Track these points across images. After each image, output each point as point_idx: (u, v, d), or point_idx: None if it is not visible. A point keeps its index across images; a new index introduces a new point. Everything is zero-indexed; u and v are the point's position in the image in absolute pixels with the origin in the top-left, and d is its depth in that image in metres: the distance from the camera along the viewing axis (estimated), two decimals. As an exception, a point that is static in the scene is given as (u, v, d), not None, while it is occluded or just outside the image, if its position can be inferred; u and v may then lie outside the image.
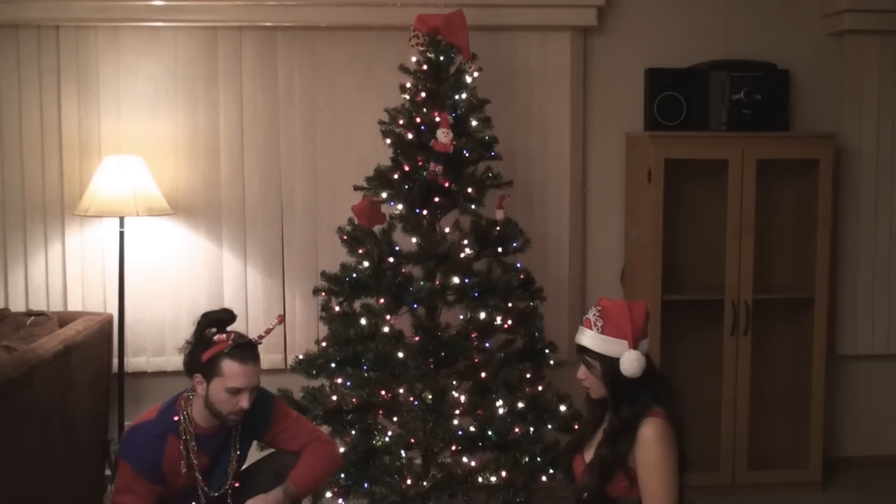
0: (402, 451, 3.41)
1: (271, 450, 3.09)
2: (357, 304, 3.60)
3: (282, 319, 2.89)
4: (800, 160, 4.16)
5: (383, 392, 3.44)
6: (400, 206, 3.56)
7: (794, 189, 4.34)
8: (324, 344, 3.56)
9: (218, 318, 2.85)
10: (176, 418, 2.79)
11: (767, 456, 4.32)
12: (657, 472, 2.53)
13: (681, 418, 2.69)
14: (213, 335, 2.80)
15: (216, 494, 2.88)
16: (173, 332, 4.12)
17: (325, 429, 3.49)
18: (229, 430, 2.88)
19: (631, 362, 2.59)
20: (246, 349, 2.78)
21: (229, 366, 2.73)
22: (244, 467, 3.07)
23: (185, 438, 2.78)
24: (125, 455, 2.75)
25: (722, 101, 4.07)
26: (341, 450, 3.47)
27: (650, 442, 2.54)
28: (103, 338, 3.91)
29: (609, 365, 2.62)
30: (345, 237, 3.60)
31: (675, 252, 4.24)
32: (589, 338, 2.66)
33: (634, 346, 2.60)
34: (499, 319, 3.56)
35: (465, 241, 3.55)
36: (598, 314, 2.66)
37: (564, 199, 4.35)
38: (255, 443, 3.07)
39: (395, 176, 3.54)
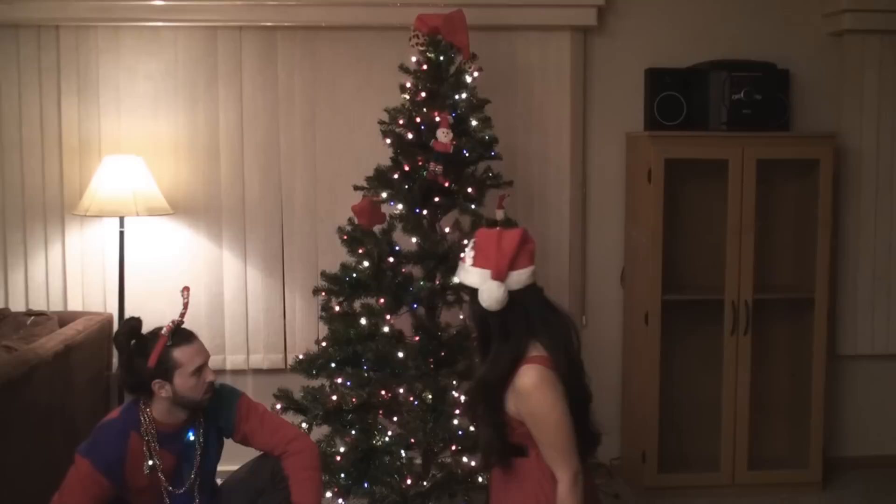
0: (402, 451, 3.40)
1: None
2: (357, 304, 3.59)
3: (187, 289, 2.87)
4: (800, 160, 4.16)
5: (383, 392, 3.44)
6: (400, 206, 3.56)
7: (794, 189, 4.34)
8: (324, 344, 3.56)
9: (132, 329, 2.80)
10: (137, 419, 2.77)
11: (767, 456, 4.32)
12: (545, 421, 2.42)
13: (569, 353, 2.50)
14: (144, 343, 2.76)
15: (181, 492, 2.86)
16: (173, 332, 4.12)
17: (324, 429, 3.50)
18: (193, 425, 2.87)
19: (486, 293, 2.42)
20: (181, 331, 2.79)
21: (182, 352, 2.75)
22: (238, 468, 3.08)
23: (146, 439, 2.77)
24: (87, 452, 2.71)
25: (722, 101, 4.07)
26: (341, 449, 3.47)
27: (528, 393, 2.41)
28: (103, 338, 3.91)
29: (475, 297, 2.47)
30: (345, 237, 3.59)
31: (675, 252, 4.23)
32: (461, 271, 2.52)
33: (500, 276, 2.42)
34: (499, 319, 3.55)
35: (465, 241, 3.54)
36: (471, 246, 2.51)
37: (564, 199, 4.35)
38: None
39: (395, 176, 3.54)
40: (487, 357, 2.51)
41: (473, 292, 2.49)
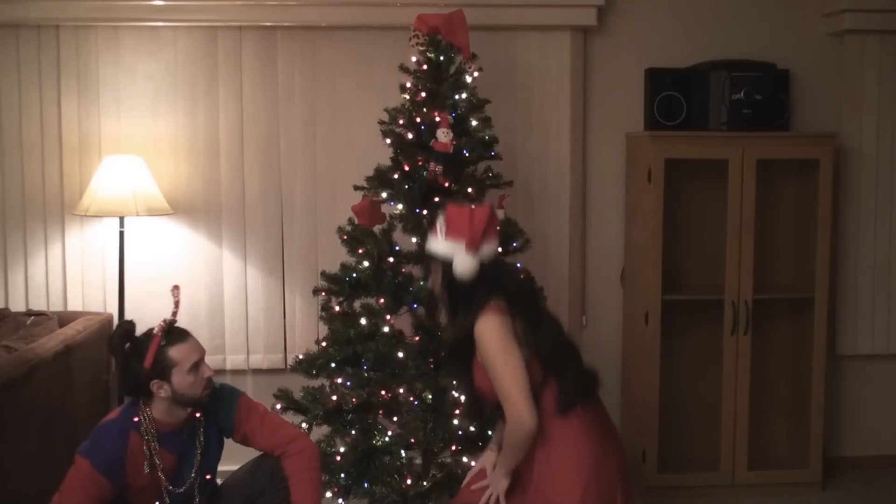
0: (402, 451, 3.40)
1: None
2: (357, 304, 3.59)
3: (177, 288, 2.88)
4: (800, 160, 4.16)
5: (383, 392, 3.44)
6: (400, 206, 3.56)
7: (794, 189, 4.34)
8: (324, 344, 3.56)
9: (126, 332, 2.81)
10: (136, 419, 2.78)
11: (767, 456, 4.32)
12: (492, 361, 2.55)
13: (535, 307, 2.72)
14: (138, 345, 2.77)
15: (181, 491, 2.87)
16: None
17: (324, 429, 3.50)
18: (193, 424, 2.88)
19: (461, 264, 2.63)
20: (174, 329, 2.79)
21: (177, 350, 2.75)
22: (237, 468, 3.08)
23: (146, 438, 2.77)
24: (87, 452, 2.71)
25: (722, 101, 4.07)
26: (341, 449, 3.47)
27: (480, 336, 2.58)
28: (103, 338, 3.91)
29: (446, 267, 2.67)
30: (345, 237, 3.59)
31: (675, 252, 4.24)
32: (433, 242, 2.72)
33: (472, 248, 2.62)
34: (499, 319, 3.55)
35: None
36: (443, 219, 2.70)
37: (564, 199, 4.35)
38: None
39: (395, 176, 3.54)
40: (453, 319, 2.70)
41: (444, 263, 2.68)
